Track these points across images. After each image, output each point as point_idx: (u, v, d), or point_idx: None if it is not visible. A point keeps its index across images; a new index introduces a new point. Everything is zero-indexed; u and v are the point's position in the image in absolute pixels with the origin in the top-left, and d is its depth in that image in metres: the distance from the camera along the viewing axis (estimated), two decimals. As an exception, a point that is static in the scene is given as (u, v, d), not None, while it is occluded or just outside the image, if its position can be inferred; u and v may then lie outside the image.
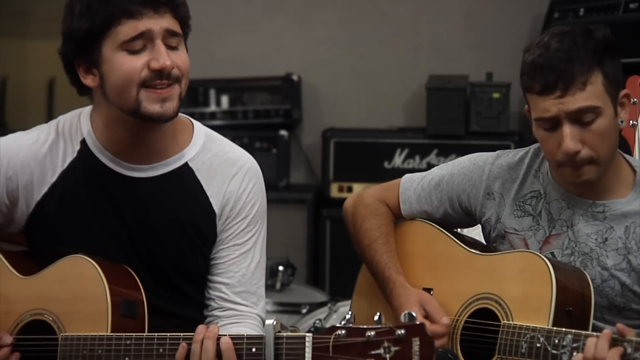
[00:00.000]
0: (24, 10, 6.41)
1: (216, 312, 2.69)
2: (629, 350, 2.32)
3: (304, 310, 4.49)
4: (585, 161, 2.56)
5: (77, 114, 2.71)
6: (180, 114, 2.72)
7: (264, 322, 2.69)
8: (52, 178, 2.66)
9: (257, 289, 2.72)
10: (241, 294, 2.69)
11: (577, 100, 2.53)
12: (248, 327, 2.65)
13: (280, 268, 4.62)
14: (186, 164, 2.68)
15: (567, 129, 2.55)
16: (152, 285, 2.63)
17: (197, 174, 2.68)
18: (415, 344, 2.19)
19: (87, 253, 2.61)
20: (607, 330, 2.37)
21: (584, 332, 2.40)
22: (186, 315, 2.67)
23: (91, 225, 2.64)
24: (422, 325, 2.21)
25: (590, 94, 2.53)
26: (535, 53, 2.58)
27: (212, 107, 5.55)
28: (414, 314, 2.24)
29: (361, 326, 2.23)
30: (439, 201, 2.84)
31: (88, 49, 2.55)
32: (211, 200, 2.67)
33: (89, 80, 2.58)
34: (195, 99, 5.52)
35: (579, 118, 2.54)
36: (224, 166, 2.69)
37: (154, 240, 2.65)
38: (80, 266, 2.59)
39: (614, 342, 2.34)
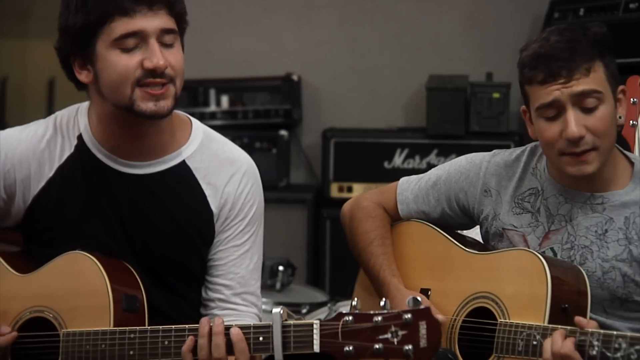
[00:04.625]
0: (24, 10, 6.41)
1: (215, 312, 2.69)
2: (583, 337, 2.37)
3: (304, 310, 4.49)
4: (589, 147, 2.56)
5: (75, 109, 2.71)
6: (179, 111, 2.73)
7: (260, 319, 2.70)
8: (49, 172, 2.66)
9: (256, 289, 2.74)
10: (241, 295, 2.70)
11: (581, 84, 2.54)
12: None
13: (280, 268, 4.61)
14: (183, 161, 2.68)
15: (572, 114, 2.55)
16: (145, 282, 2.63)
17: (194, 172, 2.68)
18: (422, 327, 2.21)
19: (84, 249, 2.61)
20: (560, 330, 2.40)
21: (578, 329, 2.41)
22: (176, 318, 2.65)
23: (88, 220, 2.65)
24: (427, 309, 2.23)
25: (593, 79, 2.55)
26: (535, 46, 2.59)
27: (212, 107, 5.55)
28: (419, 299, 2.24)
29: (368, 312, 2.25)
30: (437, 201, 2.84)
31: (83, 45, 2.55)
32: (209, 199, 2.67)
33: (82, 76, 2.59)
34: (195, 99, 5.52)
35: (583, 103, 2.55)
36: (221, 166, 2.69)
37: (150, 237, 2.65)
38: (80, 262, 2.59)
39: (569, 335, 2.39)
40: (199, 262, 2.70)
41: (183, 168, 2.67)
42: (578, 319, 2.42)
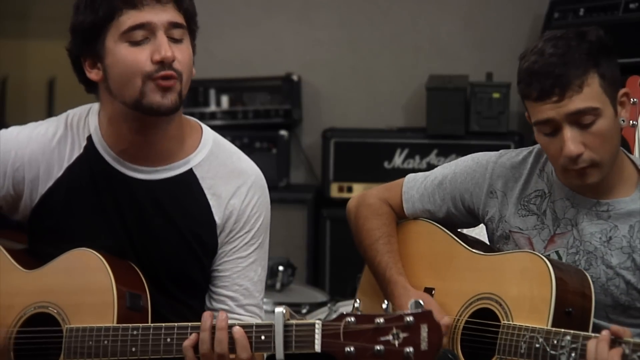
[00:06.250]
0: (24, 10, 6.40)
1: None
2: (627, 351, 2.32)
3: (304, 310, 4.49)
4: (588, 164, 2.56)
5: (87, 109, 2.71)
6: (190, 117, 2.73)
7: None
8: (58, 172, 2.66)
9: (259, 301, 2.74)
10: (245, 306, 2.70)
11: (575, 102, 2.52)
12: None
13: (280, 268, 4.62)
14: (191, 170, 2.67)
15: (568, 133, 2.54)
16: (148, 286, 2.62)
17: (200, 181, 2.67)
18: (424, 330, 2.23)
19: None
20: (605, 333, 2.36)
21: (582, 332, 2.40)
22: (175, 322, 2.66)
23: (93, 222, 2.65)
24: (429, 312, 2.24)
25: (587, 95, 2.53)
26: (530, 60, 2.58)
27: (212, 107, 5.55)
28: (421, 302, 2.26)
29: (370, 313, 2.26)
30: (442, 200, 2.84)
31: (92, 42, 2.56)
32: (213, 209, 2.66)
33: (93, 74, 2.60)
34: (195, 99, 5.52)
35: (579, 120, 2.54)
36: (228, 177, 2.68)
37: (151, 243, 2.65)
38: (86, 258, 2.60)
39: (612, 344, 2.34)
40: (200, 271, 2.69)
41: (189, 176, 2.66)
42: (615, 327, 2.37)
